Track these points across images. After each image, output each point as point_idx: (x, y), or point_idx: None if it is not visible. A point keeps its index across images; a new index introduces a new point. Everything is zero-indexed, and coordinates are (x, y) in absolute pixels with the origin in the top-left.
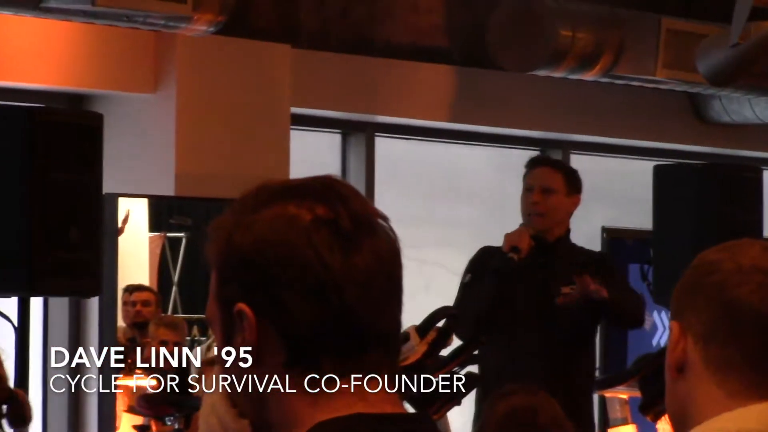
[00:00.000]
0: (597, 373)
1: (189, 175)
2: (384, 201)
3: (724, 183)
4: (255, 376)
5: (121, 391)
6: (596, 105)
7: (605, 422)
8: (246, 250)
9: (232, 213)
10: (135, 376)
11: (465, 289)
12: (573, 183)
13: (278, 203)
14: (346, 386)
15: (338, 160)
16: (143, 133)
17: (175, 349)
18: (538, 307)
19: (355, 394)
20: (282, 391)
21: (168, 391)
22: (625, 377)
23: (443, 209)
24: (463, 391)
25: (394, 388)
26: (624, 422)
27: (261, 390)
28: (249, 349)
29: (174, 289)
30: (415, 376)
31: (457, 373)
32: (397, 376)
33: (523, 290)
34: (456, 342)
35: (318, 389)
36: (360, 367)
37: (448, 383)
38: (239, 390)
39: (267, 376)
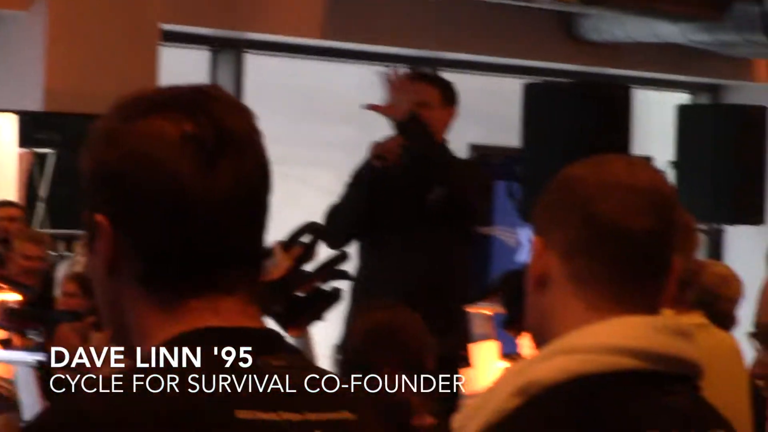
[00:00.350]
0: None
1: (58, 91)
2: None
3: (594, 101)
4: (112, 285)
5: None
6: (467, 23)
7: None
8: (111, 163)
9: (103, 122)
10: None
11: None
12: (448, 95)
13: (149, 116)
14: (200, 302)
15: (208, 77)
16: (14, 50)
17: (39, 263)
18: (404, 213)
19: (209, 310)
20: (137, 304)
21: (31, 304)
22: (488, 293)
23: (313, 127)
24: (327, 306)
25: (253, 304)
26: (487, 338)
27: (114, 302)
28: (105, 259)
29: (41, 204)
30: (279, 291)
31: (321, 288)
32: (257, 293)
33: (391, 198)
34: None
35: (171, 304)
36: (215, 284)
37: (310, 298)
38: (97, 296)
39: (124, 287)
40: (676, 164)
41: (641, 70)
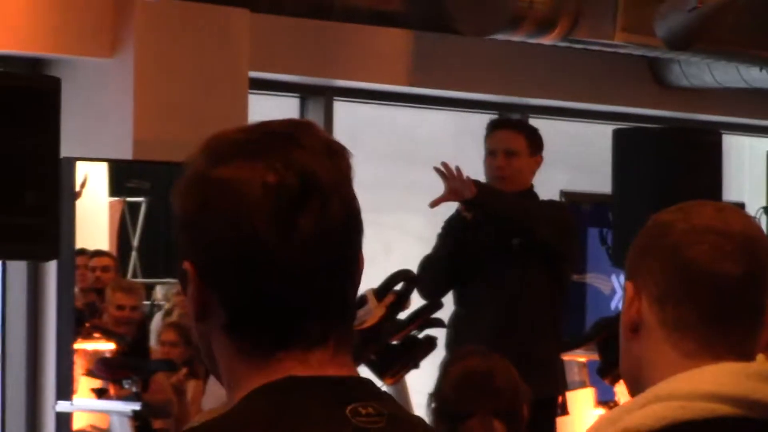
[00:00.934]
0: None
1: (147, 140)
2: None
3: (683, 147)
4: (204, 330)
5: (79, 354)
6: (555, 69)
7: (564, 385)
8: (191, 212)
9: (188, 167)
10: (93, 339)
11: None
12: (535, 142)
13: (232, 162)
14: (287, 354)
15: None
16: (101, 98)
17: (132, 312)
18: (492, 259)
19: (296, 361)
20: (225, 352)
21: (125, 354)
22: (583, 341)
23: (402, 174)
24: (422, 354)
25: (344, 352)
26: (582, 385)
27: (208, 347)
28: (195, 305)
29: (133, 253)
30: (372, 339)
31: (415, 336)
32: (348, 343)
33: (479, 246)
34: (414, 305)
35: (258, 355)
36: (301, 336)
37: (405, 346)
38: (197, 341)
39: (213, 334)
40: None
41: (730, 115)
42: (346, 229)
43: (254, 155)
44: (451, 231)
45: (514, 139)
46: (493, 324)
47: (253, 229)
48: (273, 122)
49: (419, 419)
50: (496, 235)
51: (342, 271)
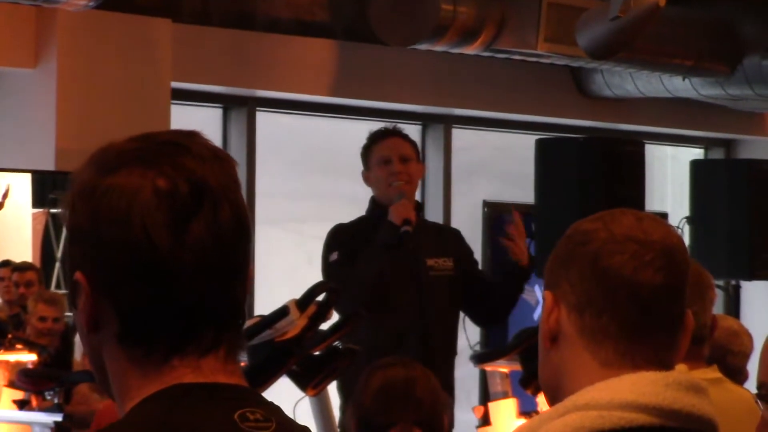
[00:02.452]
0: (478, 347)
1: (70, 150)
2: (265, 175)
3: (606, 157)
4: (95, 342)
5: (1, 366)
6: (478, 79)
7: (486, 396)
8: (83, 221)
9: (77, 177)
10: (15, 351)
11: (335, 267)
12: (418, 151)
13: (121, 170)
14: (179, 361)
15: (219, 134)
16: (24, 109)
17: (54, 324)
18: (413, 280)
19: (188, 368)
20: (117, 361)
21: (47, 365)
22: (505, 351)
23: (325, 184)
24: (343, 364)
25: (234, 360)
26: (504, 396)
27: (100, 360)
28: (87, 316)
29: (57, 264)
30: (294, 350)
31: (337, 347)
32: (239, 346)
33: (395, 264)
34: (336, 316)
35: (150, 363)
36: (194, 342)
37: (327, 357)
38: (87, 354)
39: (104, 345)
40: (692, 220)
41: (654, 125)
42: (236, 234)
43: (143, 162)
44: (389, 247)
45: (404, 146)
46: (419, 350)
47: (146, 234)
48: (159, 132)
49: (302, 427)
50: (414, 258)
51: (233, 276)
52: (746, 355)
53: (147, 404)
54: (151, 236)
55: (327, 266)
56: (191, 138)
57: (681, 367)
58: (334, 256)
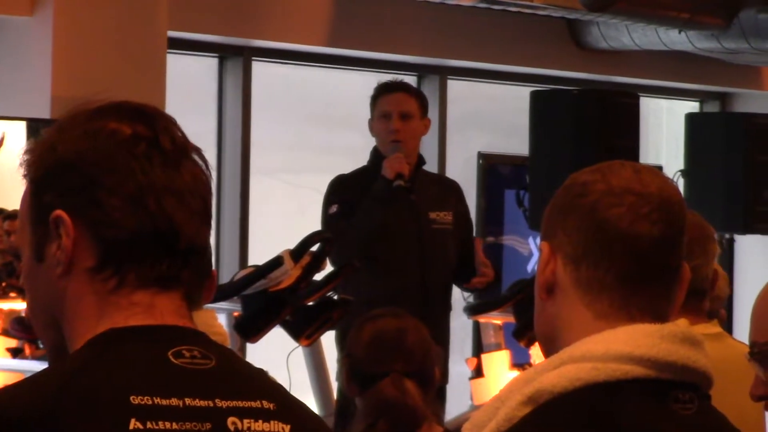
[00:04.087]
0: (471, 299)
1: (65, 98)
2: (260, 126)
3: (601, 109)
4: (62, 286)
5: None
6: (474, 30)
7: (479, 348)
8: (68, 157)
9: (54, 130)
10: (9, 299)
11: (334, 219)
12: (424, 105)
13: (99, 120)
14: (140, 297)
15: (215, 84)
16: (20, 57)
17: None
18: (416, 233)
19: (144, 306)
20: (80, 300)
21: None
22: (499, 303)
23: (320, 134)
24: (337, 315)
25: (188, 302)
26: (498, 348)
27: (61, 301)
28: (66, 255)
29: None
30: (288, 300)
31: (331, 298)
32: (197, 291)
33: (397, 216)
34: (329, 267)
35: (113, 295)
36: (163, 277)
37: (321, 308)
38: (38, 306)
39: (71, 285)
40: (686, 173)
41: (649, 78)
42: (206, 189)
43: (121, 115)
44: (382, 200)
45: (407, 102)
46: (419, 303)
47: (137, 161)
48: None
49: (256, 368)
50: (415, 211)
51: (204, 223)
52: (722, 299)
53: (81, 349)
54: (141, 162)
55: (326, 218)
56: (152, 105)
57: (682, 321)
58: (334, 208)
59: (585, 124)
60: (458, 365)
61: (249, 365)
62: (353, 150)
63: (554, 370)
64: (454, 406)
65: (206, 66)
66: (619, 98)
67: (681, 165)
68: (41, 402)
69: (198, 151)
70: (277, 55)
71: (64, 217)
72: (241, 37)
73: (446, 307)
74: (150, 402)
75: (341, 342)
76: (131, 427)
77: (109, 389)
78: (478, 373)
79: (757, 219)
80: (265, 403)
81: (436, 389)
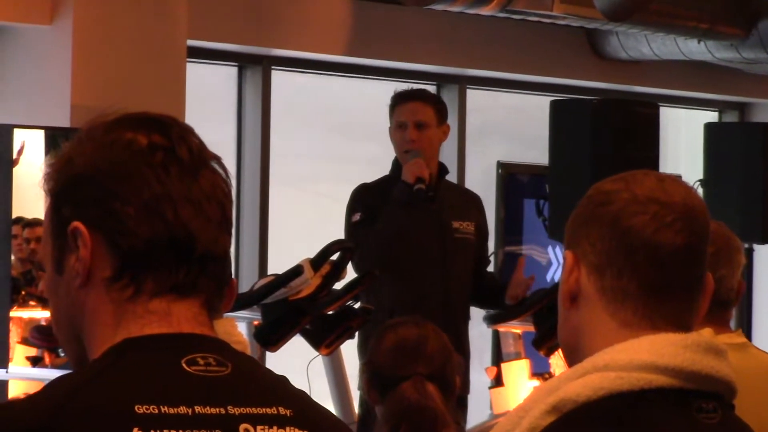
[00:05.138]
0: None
1: (85, 107)
2: (280, 135)
3: (621, 119)
4: (82, 297)
5: (15, 322)
6: (493, 40)
7: (499, 357)
8: (84, 169)
9: (71, 143)
10: (29, 307)
11: (357, 227)
12: (441, 112)
13: (116, 131)
14: (158, 305)
15: (234, 93)
16: (39, 65)
17: None
18: (439, 241)
19: (161, 314)
20: (98, 310)
21: None
22: (518, 312)
23: (339, 144)
24: (357, 324)
25: (207, 310)
26: (517, 357)
27: (81, 313)
28: (84, 267)
29: None
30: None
31: (351, 307)
32: (217, 299)
33: (419, 225)
34: (350, 275)
35: (130, 304)
36: (180, 284)
37: (341, 316)
38: (61, 318)
39: (90, 296)
40: (705, 183)
41: (668, 88)
42: (225, 197)
43: (138, 126)
44: (403, 205)
45: (422, 111)
46: (441, 311)
47: (153, 170)
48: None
49: (276, 375)
50: (438, 220)
51: (223, 231)
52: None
53: (97, 359)
54: (157, 172)
55: (349, 226)
56: (171, 116)
57: (706, 331)
58: (357, 216)
59: (604, 134)
60: (478, 374)
61: (269, 372)
62: (373, 159)
63: (578, 380)
64: (474, 416)
65: (226, 75)
66: (639, 108)
67: (700, 175)
68: (39, 415)
69: (217, 159)
70: (296, 64)
71: (81, 229)
72: (261, 46)
73: (466, 317)
74: (156, 411)
75: (363, 350)
76: None
77: (113, 400)
78: (497, 382)
79: None
80: (281, 409)
81: (456, 397)
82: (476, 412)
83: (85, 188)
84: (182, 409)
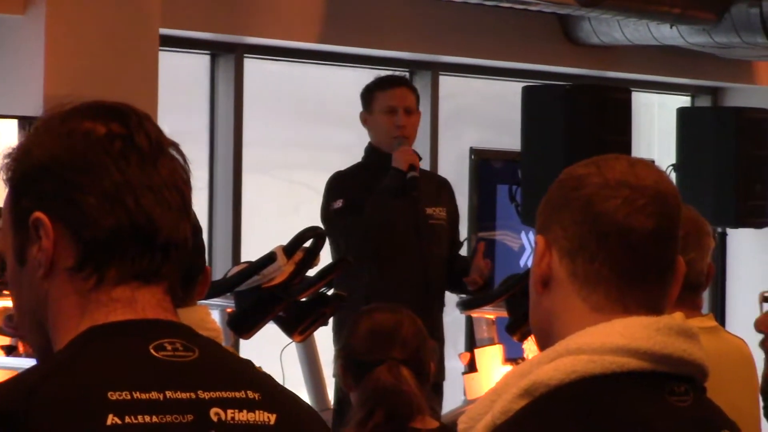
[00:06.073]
0: (464, 294)
1: (58, 96)
2: (253, 123)
3: (593, 104)
4: (44, 287)
5: None
6: (466, 26)
7: (472, 343)
8: (43, 160)
9: (28, 135)
10: (2, 296)
11: (339, 214)
12: (419, 101)
13: (73, 120)
14: (122, 293)
15: (207, 81)
16: (12, 55)
17: None
18: (415, 228)
19: (126, 301)
20: (61, 300)
21: None
22: (492, 298)
23: (312, 131)
24: (330, 311)
25: (170, 295)
26: (491, 342)
27: (44, 304)
28: (47, 257)
29: None
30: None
31: (324, 293)
32: (176, 284)
33: (402, 211)
34: (323, 262)
35: (94, 293)
36: (144, 272)
37: (314, 303)
38: (23, 309)
39: (52, 286)
40: (678, 167)
41: (641, 73)
42: (185, 184)
43: (95, 114)
44: (397, 193)
45: (409, 97)
46: (419, 297)
47: (113, 160)
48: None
49: (242, 359)
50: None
51: (183, 218)
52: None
53: (63, 349)
54: (117, 161)
55: (329, 213)
56: (127, 104)
57: (677, 315)
58: (338, 203)
59: (577, 120)
60: (451, 360)
61: (234, 356)
62: (346, 146)
63: (550, 363)
64: (448, 401)
65: (198, 63)
66: (611, 93)
67: (673, 159)
68: (8, 404)
69: (175, 145)
70: (268, 52)
71: (43, 219)
72: (233, 34)
73: (442, 304)
74: (129, 397)
75: (338, 336)
76: (108, 422)
77: (85, 387)
78: (471, 367)
79: (748, 213)
80: (250, 393)
81: (431, 383)
82: (450, 398)
83: (45, 179)
84: (154, 395)
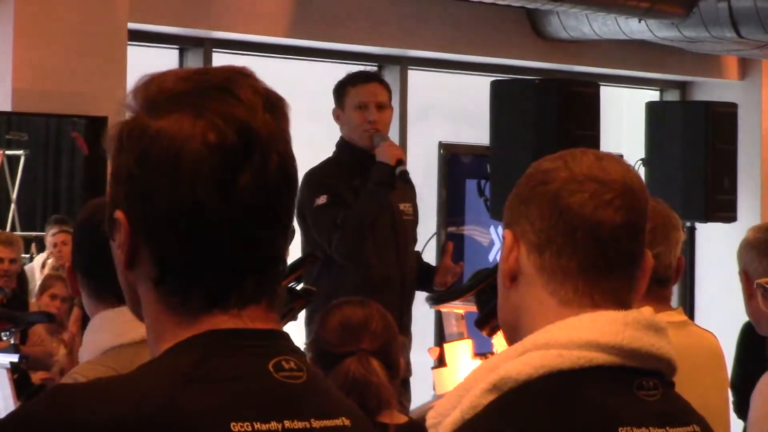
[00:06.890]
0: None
1: (26, 91)
2: None
3: (562, 98)
4: (132, 278)
5: None
6: (434, 21)
7: (441, 337)
8: (131, 164)
9: (129, 113)
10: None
11: (324, 210)
12: (391, 97)
13: (171, 115)
14: (220, 310)
15: None
16: None
17: (11, 265)
18: (390, 223)
19: (228, 315)
20: (152, 303)
21: (4, 306)
22: (461, 292)
23: None
24: (299, 306)
25: (274, 309)
26: (460, 337)
27: (135, 296)
28: (125, 253)
29: (12, 206)
30: None
31: (293, 288)
32: (277, 297)
33: (383, 207)
34: (292, 256)
35: (185, 312)
36: (235, 294)
37: (285, 298)
38: (122, 285)
39: (140, 284)
40: (647, 162)
41: (609, 67)
42: (282, 186)
43: (194, 109)
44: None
45: (381, 92)
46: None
47: (192, 187)
48: (210, 71)
49: (323, 377)
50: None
51: (276, 228)
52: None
53: (181, 349)
54: (197, 190)
55: (314, 209)
56: (242, 81)
57: (646, 309)
58: (322, 199)
59: (545, 114)
60: (421, 355)
61: (321, 376)
62: (314, 141)
63: (518, 358)
64: (417, 396)
65: (167, 58)
66: (580, 88)
67: (641, 154)
68: (137, 418)
69: (275, 137)
70: (237, 46)
71: (122, 222)
72: (202, 29)
73: (413, 299)
74: (250, 429)
75: (309, 330)
76: None
77: (210, 413)
78: (440, 362)
79: (717, 207)
80: (344, 420)
81: (400, 377)
82: (419, 393)
83: (128, 184)
84: (273, 425)
